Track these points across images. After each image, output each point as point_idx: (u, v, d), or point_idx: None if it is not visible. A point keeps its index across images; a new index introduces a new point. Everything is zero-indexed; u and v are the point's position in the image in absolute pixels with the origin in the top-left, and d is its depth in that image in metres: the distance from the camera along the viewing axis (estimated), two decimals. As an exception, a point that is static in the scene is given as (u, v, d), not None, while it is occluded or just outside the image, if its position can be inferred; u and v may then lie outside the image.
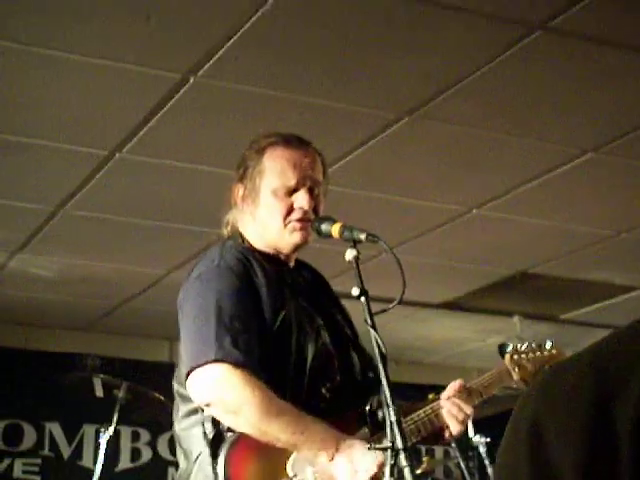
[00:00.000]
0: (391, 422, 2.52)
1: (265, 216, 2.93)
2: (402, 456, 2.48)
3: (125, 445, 8.09)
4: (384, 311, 2.72)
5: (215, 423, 2.75)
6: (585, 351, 0.86)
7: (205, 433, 2.68)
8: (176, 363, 3.01)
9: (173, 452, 8.18)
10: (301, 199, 2.91)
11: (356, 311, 2.81)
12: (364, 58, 4.19)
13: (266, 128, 4.74)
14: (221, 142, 4.88)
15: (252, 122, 4.68)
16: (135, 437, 8.16)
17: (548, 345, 3.43)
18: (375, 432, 2.86)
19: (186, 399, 2.84)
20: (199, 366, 2.71)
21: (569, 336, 8.22)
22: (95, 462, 5.43)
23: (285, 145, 2.98)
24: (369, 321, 2.68)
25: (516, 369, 3.28)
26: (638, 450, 0.76)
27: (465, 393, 3.09)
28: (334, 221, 2.90)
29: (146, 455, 8.21)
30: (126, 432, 8.04)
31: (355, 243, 2.80)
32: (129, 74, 4.25)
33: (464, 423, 3.05)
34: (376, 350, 2.63)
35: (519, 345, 3.36)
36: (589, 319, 7.92)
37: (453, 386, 3.11)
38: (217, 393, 2.70)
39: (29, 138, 4.82)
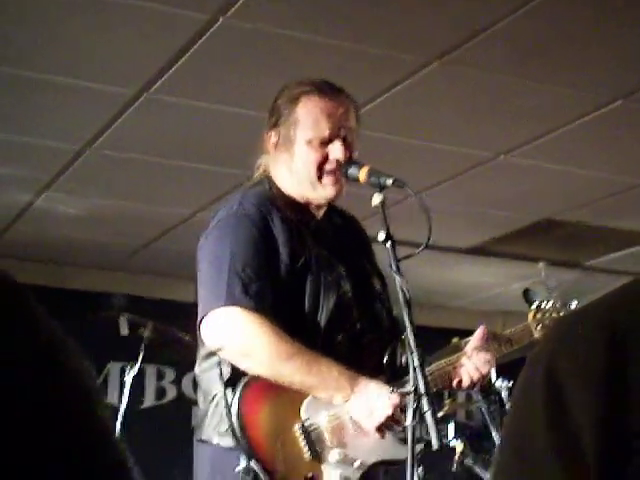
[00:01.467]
0: (414, 367, 2.54)
1: (299, 166, 2.93)
2: (424, 400, 2.49)
3: (150, 383, 8.17)
4: (409, 256, 2.73)
5: (231, 365, 2.77)
6: (601, 300, 0.87)
7: (221, 374, 2.70)
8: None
9: (197, 391, 8.28)
10: (336, 150, 2.91)
11: (382, 255, 2.81)
12: (394, 1, 4.15)
13: (293, 71, 4.72)
14: (248, 84, 4.87)
15: (279, 64, 4.66)
16: (160, 376, 8.24)
17: (573, 305, 3.41)
18: (391, 381, 2.85)
19: (203, 342, 2.87)
20: (211, 310, 2.75)
21: (594, 283, 8.21)
22: (120, 399, 5.49)
23: (319, 94, 2.95)
24: (394, 266, 2.69)
25: (538, 327, 3.27)
26: None
27: (491, 338, 3.07)
28: (362, 165, 2.90)
29: (171, 393, 8.29)
30: (151, 370, 8.12)
31: (382, 188, 2.81)
32: (158, 14, 4.23)
33: (476, 383, 3.03)
34: (400, 295, 2.64)
35: (544, 303, 3.35)
36: (614, 266, 7.90)
37: (477, 336, 3.09)
38: (227, 337, 2.74)
39: (56, 76, 4.82)
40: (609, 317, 0.83)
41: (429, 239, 2.74)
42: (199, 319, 2.79)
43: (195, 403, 9.01)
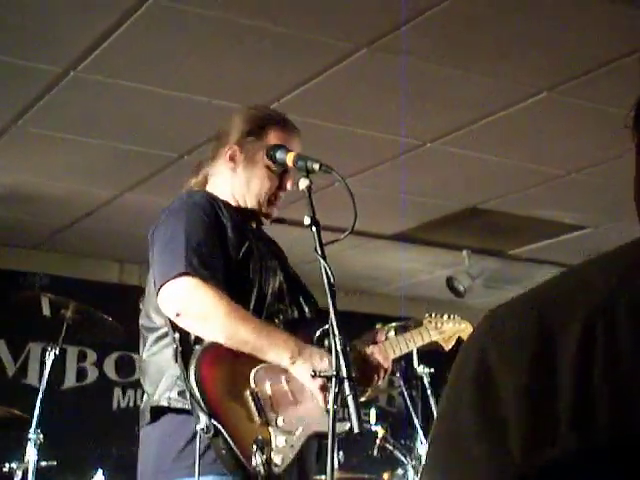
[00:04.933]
0: (337, 351, 2.63)
1: (255, 184, 3.17)
2: (346, 384, 2.58)
3: (71, 365, 8.11)
4: (335, 241, 2.81)
5: (184, 341, 2.88)
6: (530, 292, 0.90)
7: (175, 351, 2.85)
8: (140, 300, 3.17)
9: (119, 373, 8.23)
10: (288, 183, 3.17)
11: (307, 240, 2.85)
12: (325, -14, 4.17)
13: (222, 54, 4.72)
14: (177, 65, 4.86)
15: (209, 47, 4.65)
16: (81, 357, 8.17)
17: (459, 319, 3.67)
18: None
19: (152, 329, 3.03)
20: (170, 280, 2.88)
21: (516, 271, 8.34)
22: (40, 381, 5.45)
23: (285, 128, 3.21)
24: (319, 251, 2.77)
25: (433, 332, 3.53)
26: (578, 382, 0.80)
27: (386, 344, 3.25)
28: (289, 150, 3.06)
29: (92, 375, 8.24)
30: (72, 352, 8.05)
31: (308, 172, 2.91)
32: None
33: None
34: (325, 280, 2.72)
35: (440, 315, 3.62)
36: (536, 255, 8.03)
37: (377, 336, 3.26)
38: (187, 301, 2.86)
39: (-18, 52, 4.76)
40: (538, 309, 0.86)
41: (354, 224, 2.83)
42: (157, 289, 2.91)
43: (117, 384, 8.97)
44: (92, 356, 8.20)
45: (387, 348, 3.21)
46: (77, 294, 5.68)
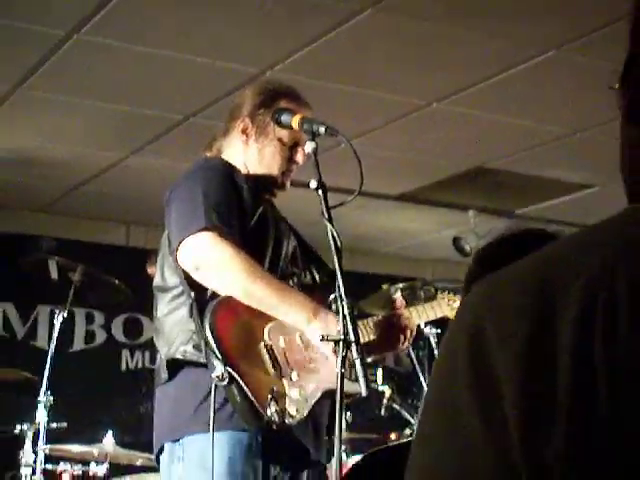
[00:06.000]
0: (344, 315, 2.65)
1: (268, 156, 3.18)
2: (353, 348, 2.60)
3: (79, 327, 8.14)
4: (341, 204, 2.82)
5: (199, 298, 2.93)
6: (530, 259, 0.87)
7: (191, 305, 2.92)
8: (147, 263, 3.21)
9: (127, 334, 8.26)
10: (300, 156, 3.17)
11: (311, 202, 2.85)
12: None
13: (226, 15, 4.70)
14: (180, 27, 4.84)
15: (212, 9, 4.63)
16: (89, 319, 8.21)
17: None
18: None
19: (167, 289, 3.06)
20: (189, 235, 2.91)
21: (523, 231, 8.31)
22: (49, 343, 5.47)
23: (295, 100, 3.20)
24: (325, 214, 2.78)
25: (445, 307, 3.52)
26: (576, 363, 0.78)
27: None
28: (294, 113, 3.05)
29: (100, 337, 8.27)
30: (80, 314, 8.08)
31: (314, 135, 2.91)
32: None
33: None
34: (332, 243, 2.73)
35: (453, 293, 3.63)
36: (543, 215, 8.01)
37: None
38: (207, 255, 2.89)
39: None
40: (537, 280, 0.83)
41: (361, 187, 2.83)
42: (175, 245, 2.94)
43: (125, 346, 8.99)
44: (100, 318, 8.23)
45: (412, 313, 3.24)
46: (84, 257, 5.70)
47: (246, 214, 3.03)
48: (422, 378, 5.59)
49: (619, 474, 0.76)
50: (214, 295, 2.92)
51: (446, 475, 0.83)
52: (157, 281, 3.12)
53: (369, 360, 3.09)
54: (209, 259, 2.89)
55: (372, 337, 3.11)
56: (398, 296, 3.43)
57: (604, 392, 0.76)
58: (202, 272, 2.91)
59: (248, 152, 3.19)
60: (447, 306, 3.51)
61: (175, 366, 2.97)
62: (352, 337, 2.64)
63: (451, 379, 0.84)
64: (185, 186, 3.07)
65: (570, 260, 0.83)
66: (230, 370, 2.78)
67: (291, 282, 3.09)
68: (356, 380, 2.65)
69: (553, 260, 0.85)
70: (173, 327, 3.00)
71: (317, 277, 3.21)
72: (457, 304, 3.59)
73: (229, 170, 3.10)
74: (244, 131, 3.19)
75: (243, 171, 3.16)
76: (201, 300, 2.93)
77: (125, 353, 8.30)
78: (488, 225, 8.03)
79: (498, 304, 0.84)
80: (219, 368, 2.78)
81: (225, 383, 2.78)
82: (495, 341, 0.81)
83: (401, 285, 5.43)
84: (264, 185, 3.19)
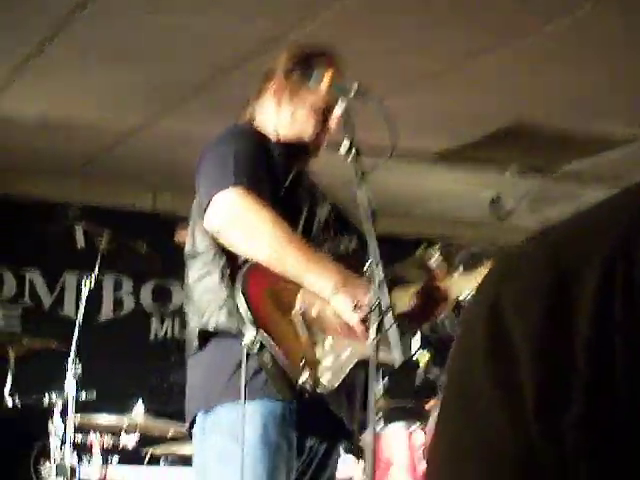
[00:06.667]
0: (379, 281, 2.63)
1: (300, 120, 3.17)
2: (387, 316, 2.59)
3: (107, 294, 8.17)
4: (373, 169, 2.80)
5: (231, 263, 2.95)
6: (549, 232, 0.88)
7: (222, 271, 2.94)
8: (176, 230, 3.26)
9: (156, 300, 8.29)
10: (333, 122, 3.16)
11: (343, 164, 2.84)
12: None
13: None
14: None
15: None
16: (117, 286, 8.24)
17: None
18: None
19: (197, 254, 3.07)
20: (219, 192, 2.91)
21: (564, 191, 8.28)
22: (77, 312, 5.51)
23: (330, 62, 3.16)
24: (358, 177, 2.76)
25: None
26: (595, 330, 0.79)
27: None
28: (326, 73, 3.01)
29: (128, 305, 8.31)
30: (108, 281, 8.11)
31: (346, 95, 2.88)
32: None
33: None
34: (365, 206, 2.71)
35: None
36: (585, 172, 7.94)
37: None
38: (236, 213, 2.90)
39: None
40: (555, 254, 0.84)
41: (393, 151, 2.82)
42: (205, 205, 2.95)
43: (153, 315, 9.01)
44: (128, 285, 8.27)
45: (452, 285, 3.22)
46: (110, 223, 5.72)
47: (278, 181, 3.04)
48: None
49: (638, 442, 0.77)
50: (247, 260, 2.93)
51: (464, 442, 0.85)
52: (188, 248, 3.13)
53: (404, 329, 3.08)
54: (236, 218, 2.90)
55: (408, 308, 3.11)
56: (436, 263, 3.39)
57: (623, 359, 0.77)
58: (228, 232, 2.92)
59: (280, 115, 3.18)
60: None
61: (207, 335, 2.99)
62: (386, 305, 2.63)
63: (469, 349, 0.86)
64: (215, 151, 3.09)
65: (590, 230, 0.85)
66: (262, 336, 2.79)
67: (324, 250, 3.07)
68: (391, 349, 2.65)
69: (572, 233, 0.86)
70: (204, 294, 3.01)
71: (351, 245, 3.20)
72: None
73: (260, 136, 3.12)
74: (276, 93, 3.19)
75: (275, 137, 3.16)
76: (233, 265, 2.94)
77: (154, 323, 8.35)
78: (527, 185, 8.00)
79: (516, 276, 0.86)
80: (251, 334, 2.79)
81: (256, 350, 2.79)
82: (512, 309, 0.83)
83: (437, 249, 5.41)
84: (296, 151, 3.18)
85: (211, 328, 2.96)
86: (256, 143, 3.08)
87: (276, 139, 3.16)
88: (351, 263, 3.04)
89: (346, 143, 2.82)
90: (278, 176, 3.05)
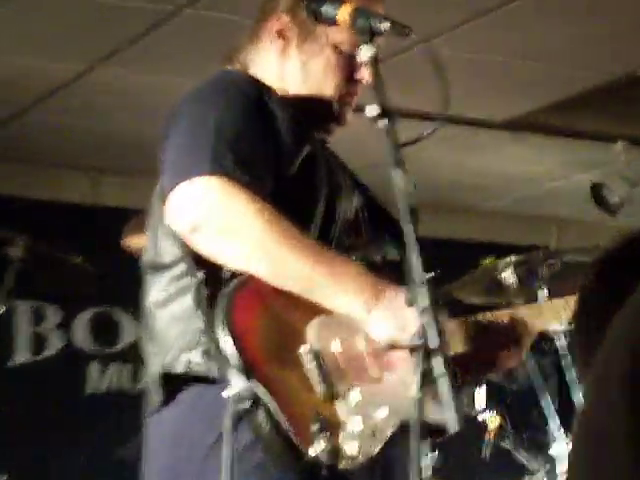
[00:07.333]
0: (423, 307, 2.58)
1: (316, 72, 3.19)
2: (438, 359, 2.51)
3: (23, 328, 8.17)
4: (418, 140, 2.79)
5: (211, 280, 2.90)
6: None
7: (198, 292, 2.90)
8: (126, 229, 3.21)
9: (95, 339, 8.30)
10: (361, 71, 3.12)
11: (371, 135, 2.84)
12: None
13: None
14: None
15: None
16: (38, 317, 8.24)
17: None
18: None
19: (163, 267, 3.05)
20: (184, 180, 2.87)
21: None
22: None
23: None
24: (394, 155, 2.74)
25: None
26: None
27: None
28: (342, 2, 2.98)
29: (54, 344, 8.30)
30: (24, 310, 8.12)
31: (373, 35, 2.87)
32: None
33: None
34: (402, 196, 2.69)
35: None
36: None
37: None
38: (209, 209, 2.87)
39: None
40: None
41: (446, 112, 2.82)
42: (166, 196, 2.91)
43: (92, 358, 9.03)
44: (54, 316, 8.27)
45: (531, 314, 3.18)
46: (29, 224, 5.75)
47: (283, 158, 3.02)
48: (544, 399, 5.58)
49: None
50: (234, 274, 2.89)
51: None
52: (148, 256, 3.12)
53: (461, 379, 3.03)
54: (211, 215, 2.86)
55: (468, 346, 3.07)
56: (510, 280, 3.38)
57: None
58: (203, 235, 2.87)
59: (287, 66, 3.20)
60: None
61: (175, 384, 2.97)
62: (435, 343, 2.52)
63: (606, 425, 0.91)
64: (190, 111, 3.07)
65: None
66: (256, 387, 2.75)
67: (354, 257, 3.04)
68: (442, 407, 2.59)
69: None
70: (170, 324, 3.01)
71: (391, 252, 3.18)
72: None
73: (258, 90, 3.09)
74: (280, 33, 3.19)
75: (282, 92, 3.16)
76: (214, 281, 2.91)
77: (93, 367, 8.35)
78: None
79: None
80: (238, 384, 2.76)
81: (247, 406, 2.76)
82: None
83: (513, 259, 5.41)
84: (312, 116, 3.19)
85: (181, 369, 2.94)
86: (251, 101, 3.05)
87: (283, 95, 3.14)
88: (390, 278, 2.98)
89: (376, 106, 2.80)
90: (283, 152, 3.03)
